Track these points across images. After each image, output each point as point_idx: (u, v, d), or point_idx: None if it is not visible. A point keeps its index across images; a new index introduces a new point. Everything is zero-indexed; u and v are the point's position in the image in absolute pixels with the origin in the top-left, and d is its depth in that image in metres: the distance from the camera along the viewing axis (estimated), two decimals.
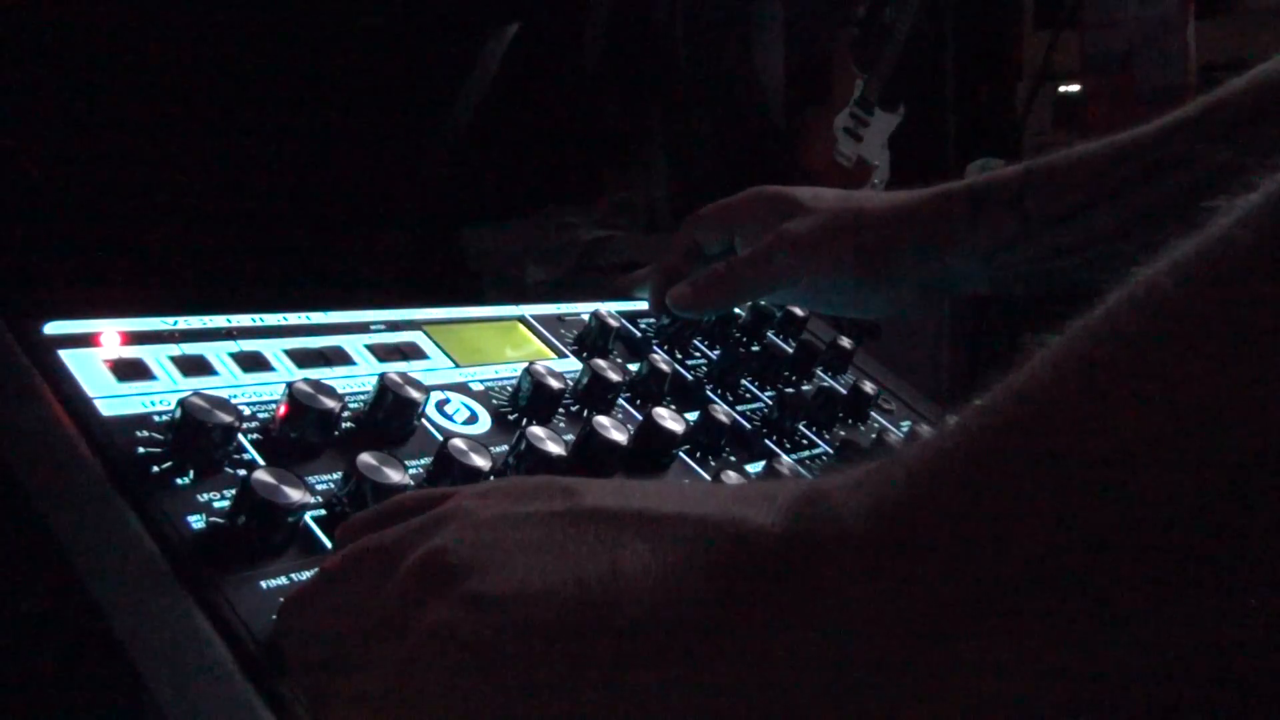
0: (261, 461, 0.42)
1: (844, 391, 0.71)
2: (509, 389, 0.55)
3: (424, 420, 0.50)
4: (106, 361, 0.44)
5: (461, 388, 0.54)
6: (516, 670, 0.26)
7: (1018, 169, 0.66)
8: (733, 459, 0.59)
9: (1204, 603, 0.20)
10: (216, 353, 0.48)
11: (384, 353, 0.54)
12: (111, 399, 0.42)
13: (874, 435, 0.69)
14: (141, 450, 0.40)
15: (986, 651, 0.22)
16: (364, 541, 0.33)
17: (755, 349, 0.72)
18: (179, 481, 0.40)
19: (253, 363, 0.49)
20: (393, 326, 0.57)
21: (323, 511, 0.42)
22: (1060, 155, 0.65)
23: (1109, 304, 0.23)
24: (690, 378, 0.66)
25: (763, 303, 0.75)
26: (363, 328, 0.55)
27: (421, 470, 0.46)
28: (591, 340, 0.64)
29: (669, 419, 0.55)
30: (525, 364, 0.55)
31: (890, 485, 0.25)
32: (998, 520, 0.23)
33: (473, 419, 0.52)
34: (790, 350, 0.73)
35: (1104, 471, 0.21)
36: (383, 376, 0.48)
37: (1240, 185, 0.22)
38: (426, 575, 0.29)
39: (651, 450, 0.55)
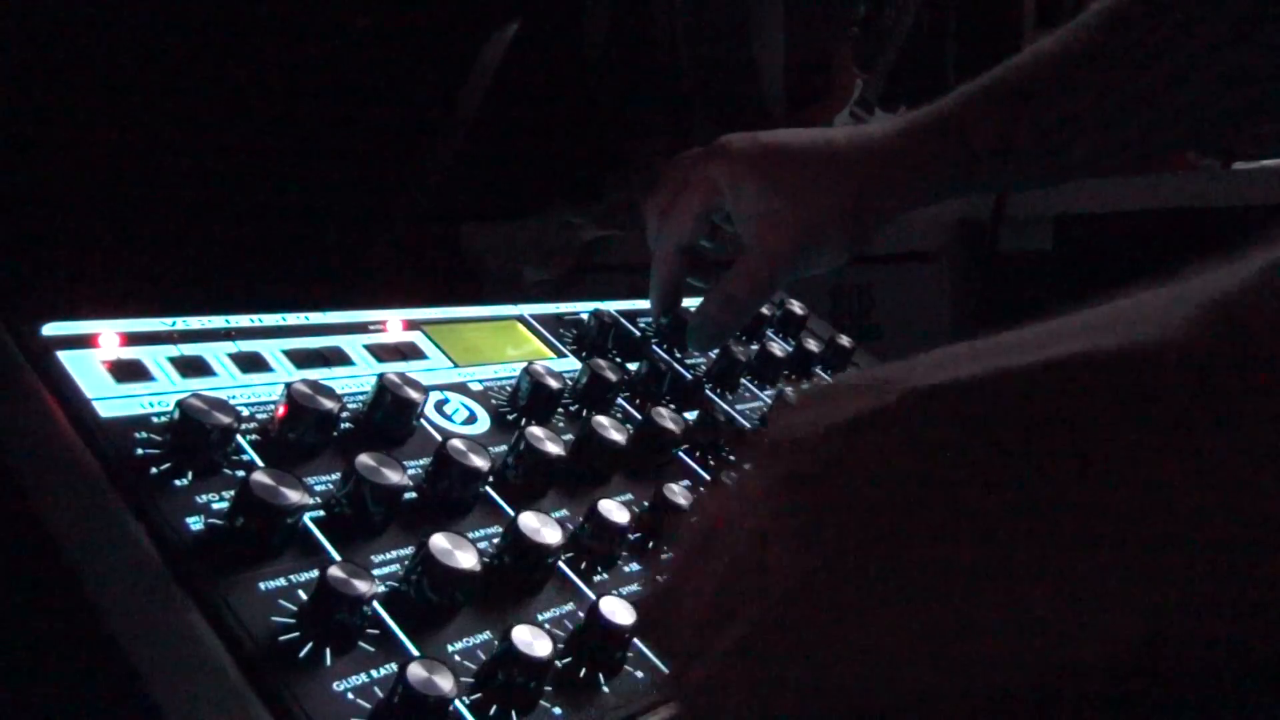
0: (260, 463, 0.42)
1: None
2: (508, 389, 0.55)
3: (423, 420, 0.50)
4: (105, 363, 0.44)
5: (460, 388, 0.54)
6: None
7: (959, 97, 0.67)
8: (733, 459, 0.59)
9: None
10: (215, 353, 0.48)
11: (383, 353, 0.54)
12: (110, 400, 0.42)
13: None
14: (140, 452, 0.40)
15: None
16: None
17: (754, 349, 0.72)
18: (177, 483, 0.40)
19: (251, 363, 0.49)
20: (392, 326, 0.57)
21: (321, 513, 0.42)
22: (996, 79, 0.66)
23: None
24: (690, 377, 0.66)
25: None
26: (362, 328, 0.55)
27: (421, 471, 0.46)
28: (591, 340, 0.64)
29: (668, 419, 0.55)
30: (524, 364, 0.55)
31: None
32: None
33: (472, 419, 0.52)
34: (789, 350, 0.73)
35: None
36: (381, 377, 0.48)
37: None
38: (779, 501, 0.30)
39: (650, 450, 0.55)
